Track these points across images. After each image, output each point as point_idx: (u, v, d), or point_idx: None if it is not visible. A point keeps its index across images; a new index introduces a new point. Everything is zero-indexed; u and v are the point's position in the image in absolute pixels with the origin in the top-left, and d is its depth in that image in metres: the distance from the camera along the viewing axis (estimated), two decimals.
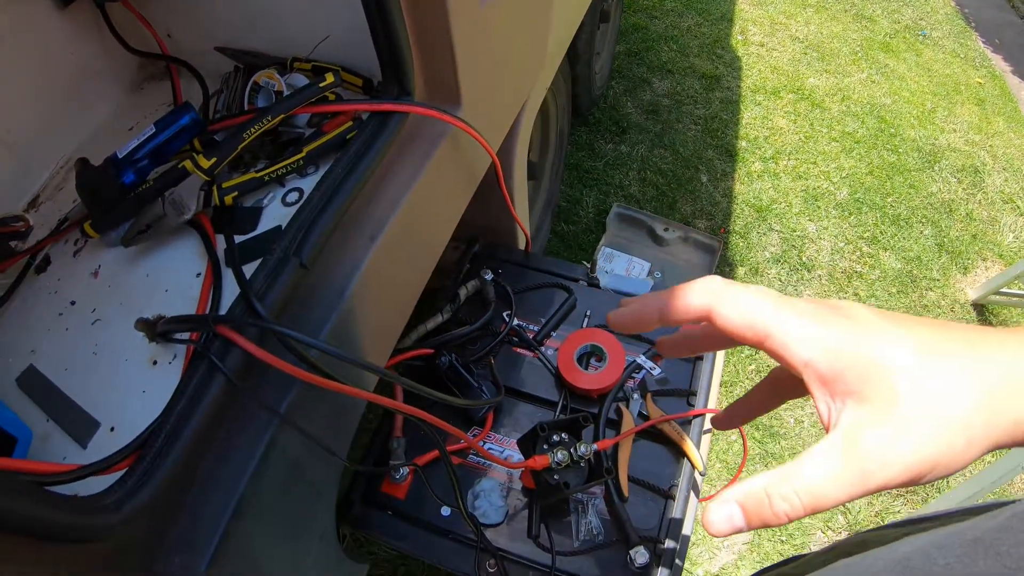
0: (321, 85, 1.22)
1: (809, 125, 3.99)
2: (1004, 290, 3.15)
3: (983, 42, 5.24)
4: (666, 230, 3.10)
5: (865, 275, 3.28)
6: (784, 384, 0.63)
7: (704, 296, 0.55)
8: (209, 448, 0.89)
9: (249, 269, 1.00)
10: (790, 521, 0.47)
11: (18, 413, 0.97)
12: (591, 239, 3.21)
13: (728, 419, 0.70)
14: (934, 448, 0.44)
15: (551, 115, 2.75)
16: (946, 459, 0.44)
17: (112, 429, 1.00)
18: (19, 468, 0.75)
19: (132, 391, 1.03)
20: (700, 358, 1.63)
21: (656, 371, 1.58)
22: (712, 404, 1.57)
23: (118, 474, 0.80)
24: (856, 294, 3.19)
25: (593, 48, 3.19)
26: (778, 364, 0.54)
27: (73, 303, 1.19)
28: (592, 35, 3.01)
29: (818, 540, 2.48)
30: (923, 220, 3.57)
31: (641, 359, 1.59)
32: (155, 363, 1.05)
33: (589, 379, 1.55)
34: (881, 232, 3.48)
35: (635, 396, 1.56)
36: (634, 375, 1.59)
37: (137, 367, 1.06)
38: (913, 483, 0.45)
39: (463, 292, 1.70)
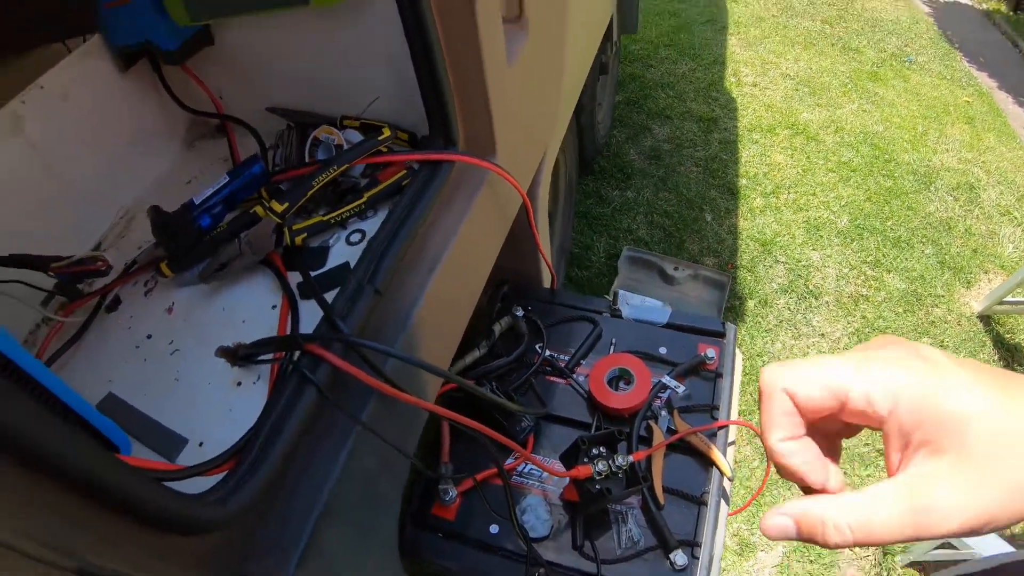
0: (380, 139, 1.38)
1: (806, 158, 4.12)
2: (1008, 299, 3.23)
3: (968, 61, 5.37)
4: (676, 269, 3.23)
5: (871, 298, 3.37)
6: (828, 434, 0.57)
7: (778, 392, 0.53)
8: (298, 455, 0.99)
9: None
10: (835, 548, 0.50)
11: None
12: (604, 283, 3.34)
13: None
14: (997, 505, 0.44)
15: (560, 166, 2.89)
16: (1004, 516, 0.45)
17: (201, 444, 1.11)
18: (140, 465, 0.87)
19: (218, 410, 1.15)
20: (720, 375, 1.74)
21: (680, 389, 1.70)
22: (733, 416, 1.69)
23: (217, 477, 0.89)
24: (864, 316, 3.28)
25: (595, 99, 3.34)
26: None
27: (149, 336, 1.31)
28: (593, 87, 3.16)
29: (846, 557, 2.54)
30: (923, 240, 3.66)
31: (666, 379, 1.71)
32: (239, 384, 1.17)
33: (620, 399, 1.67)
34: (883, 255, 3.57)
35: (663, 413, 1.67)
36: (660, 394, 1.70)
37: (221, 389, 1.17)
38: (964, 536, 0.48)
39: (497, 328, 1.82)
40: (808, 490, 0.55)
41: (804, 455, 0.54)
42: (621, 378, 1.73)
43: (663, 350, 1.80)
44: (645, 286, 3.25)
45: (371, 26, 1.42)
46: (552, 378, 1.78)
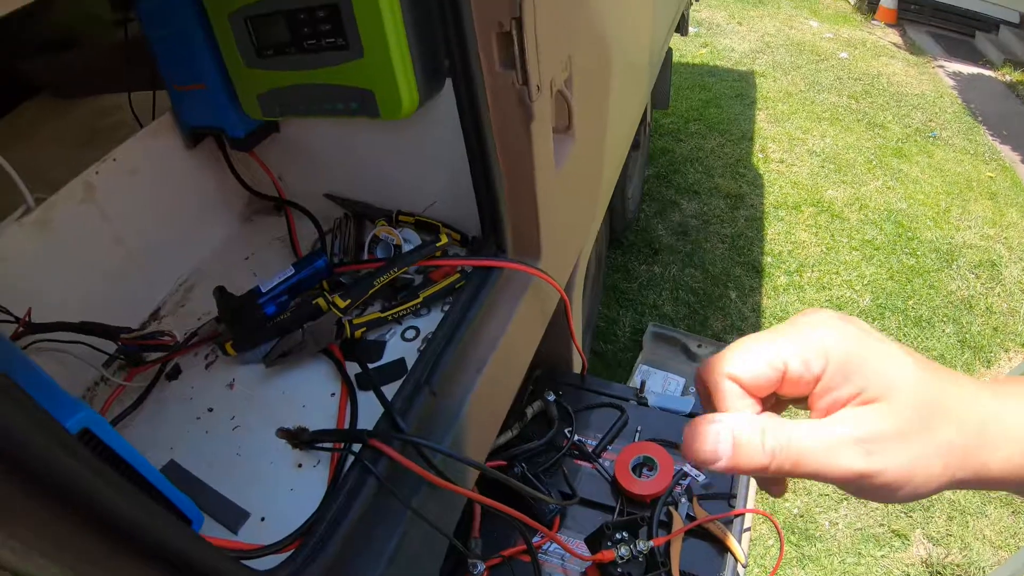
0: (438, 245, 1.51)
1: (830, 236, 4.19)
2: None
3: (991, 135, 5.41)
4: (699, 347, 3.32)
5: None
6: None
7: (718, 378, 0.54)
8: (358, 538, 1.07)
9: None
10: (762, 471, 0.49)
11: None
12: (628, 357, 3.42)
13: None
14: (920, 463, 0.48)
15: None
16: (921, 478, 0.48)
17: (263, 519, 1.18)
18: (219, 544, 0.98)
19: (279, 488, 1.22)
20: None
21: (701, 478, 1.80)
22: (750, 504, 1.79)
23: (285, 555, 0.99)
24: None
25: (626, 175, 3.43)
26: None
27: (211, 409, 1.38)
28: (624, 163, 3.25)
29: None
30: (944, 319, 3.71)
31: (687, 467, 1.80)
32: (300, 466, 1.25)
33: (643, 486, 1.76)
34: (904, 334, 3.63)
35: (683, 500, 1.76)
36: (681, 481, 1.80)
37: (283, 468, 1.25)
38: (887, 489, 0.48)
39: (529, 411, 1.93)
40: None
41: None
42: (645, 465, 1.81)
43: None
44: (669, 363, 3.32)
45: (431, 132, 1.50)
46: (579, 461, 1.88)
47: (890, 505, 2.90)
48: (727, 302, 3.76)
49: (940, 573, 2.74)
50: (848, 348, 0.50)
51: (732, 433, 0.49)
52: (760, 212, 4.39)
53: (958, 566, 2.75)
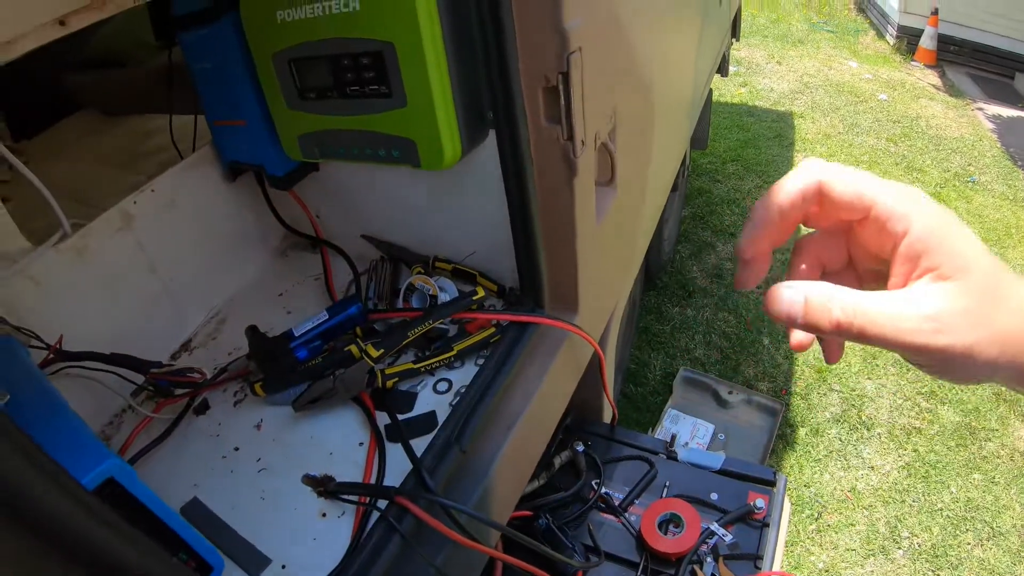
0: (474, 298, 1.49)
1: None
2: None
3: None
4: (730, 393, 3.30)
5: (924, 430, 3.37)
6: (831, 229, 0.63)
7: (814, 173, 0.58)
8: None
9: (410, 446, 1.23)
10: (835, 332, 0.53)
11: None
12: (658, 401, 3.39)
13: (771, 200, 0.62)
14: (981, 346, 0.50)
15: None
16: (982, 360, 0.50)
17: (284, 567, 1.17)
18: None
19: (302, 536, 1.21)
20: (767, 525, 1.81)
21: (727, 537, 1.76)
22: (777, 567, 1.75)
23: None
24: (915, 449, 3.28)
25: (662, 216, 3.38)
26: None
27: (237, 449, 1.38)
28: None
29: None
30: None
31: (714, 526, 1.78)
32: (324, 515, 1.23)
33: (669, 544, 1.73)
34: (939, 386, 3.55)
35: (708, 559, 1.73)
36: (707, 540, 1.76)
37: (307, 517, 1.24)
38: (948, 366, 0.51)
39: (557, 461, 1.91)
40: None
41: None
42: (672, 522, 1.79)
43: (714, 496, 1.86)
44: (698, 407, 3.30)
45: (472, 180, 1.49)
46: (605, 514, 1.85)
47: (917, 563, 2.85)
48: (760, 348, 3.73)
49: None
50: (931, 222, 0.52)
51: (804, 295, 0.54)
52: None
53: None
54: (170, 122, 1.84)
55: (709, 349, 3.70)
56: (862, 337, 0.51)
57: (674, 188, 3.49)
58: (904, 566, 2.87)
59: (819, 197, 0.58)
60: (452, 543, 1.11)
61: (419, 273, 1.63)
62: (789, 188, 0.59)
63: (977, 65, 7.30)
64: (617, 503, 1.86)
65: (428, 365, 1.45)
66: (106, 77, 2.28)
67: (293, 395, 1.40)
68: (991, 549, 2.88)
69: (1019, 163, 5.53)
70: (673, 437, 2.03)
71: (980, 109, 6.50)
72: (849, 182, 0.56)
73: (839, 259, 0.65)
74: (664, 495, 1.87)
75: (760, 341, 3.75)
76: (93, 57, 2.29)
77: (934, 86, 6.94)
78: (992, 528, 2.96)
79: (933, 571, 2.85)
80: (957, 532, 2.96)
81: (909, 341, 0.50)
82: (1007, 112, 6.44)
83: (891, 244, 0.54)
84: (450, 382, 1.46)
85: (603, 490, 1.88)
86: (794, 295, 0.55)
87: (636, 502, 1.87)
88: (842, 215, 0.58)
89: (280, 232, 1.90)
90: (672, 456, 1.96)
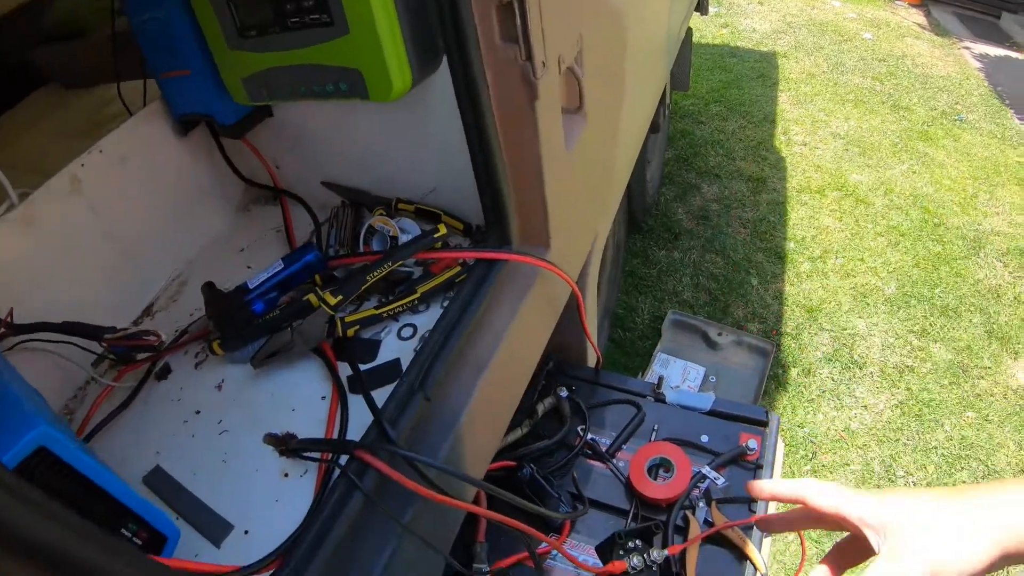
0: (435, 236, 1.41)
1: (855, 222, 4.10)
2: None
3: (1019, 119, 5.26)
4: (720, 335, 3.25)
5: (916, 369, 3.34)
6: (822, 520, 0.87)
7: (800, 488, 0.86)
8: (344, 556, 1.01)
9: (373, 396, 1.17)
10: None
11: None
12: (647, 345, 3.36)
13: (769, 525, 1.02)
14: (941, 556, 0.70)
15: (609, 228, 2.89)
16: (957, 562, 0.69)
17: (246, 532, 1.13)
18: (189, 568, 0.91)
19: (264, 499, 1.17)
20: (760, 467, 1.75)
21: (720, 481, 1.71)
22: (772, 510, 1.69)
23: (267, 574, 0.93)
24: (908, 388, 3.25)
25: (645, 158, 3.35)
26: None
27: (198, 412, 1.34)
28: (643, 145, 3.17)
29: None
30: (971, 308, 3.61)
31: (706, 470, 1.72)
32: (286, 475, 1.19)
33: (658, 489, 1.67)
34: (930, 324, 3.53)
35: (700, 504, 1.67)
36: (699, 484, 1.71)
37: (269, 478, 1.19)
38: None
39: (540, 408, 1.85)
40: None
41: None
42: (661, 466, 1.73)
43: (705, 438, 1.81)
44: (688, 351, 3.27)
45: (429, 114, 1.43)
46: (592, 461, 1.80)
47: None
48: (748, 289, 3.68)
49: None
50: (883, 518, 0.78)
51: None
52: (783, 196, 4.30)
53: None
54: (118, 85, 1.78)
55: (697, 291, 3.65)
56: None
57: (656, 129, 3.45)
58: None
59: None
60: (420, 498, 1.06)
61: (380, 215, 1.55)
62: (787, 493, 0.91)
63: (963, 4, 7.20)
64: (604, 449, 1.80)
65: (391, 310, 1.39)
66: (66, 49, 2.22)
67: (252, 351, 1.35)
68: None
69: (1007, 102, 5.47)
70: (660, 379, 1.96)
71: (966, 48, 6.41)
72: (827, 497, 0.83)
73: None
74: (653, 439, 1.82)
75: (749, 282, 3.71)
76: (55, 29, 2.25)
77: (919, 25, 6.84)
78: (987, 466, 2.96)
79: None
80: (952, 471, 2.95)
81: None
82: (994, 51, 6.36)
83: (861, 527, 0.79)
84: (415, 327, 1.40)
85: (589, 436, 1.82)
86: None
87: (624, 447, 1.82)
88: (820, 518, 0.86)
89: (240, 187, 1.83)
90: (660, 398, 1.91)
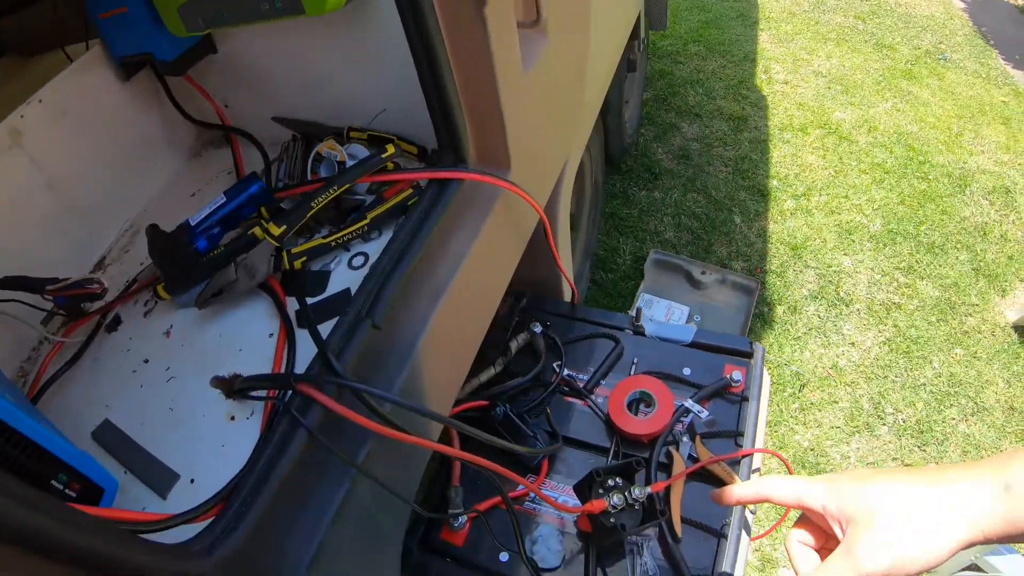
0: (383, 156, 1.31)
1: (838, 159, 4.02)
2: None
3: (1003, 59, 5.17)
4: (703, 274, 3.17)
5: (903, 306, 3.28)
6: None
7: (761, 490, 0.84)
8: (291, 497, 0.94)
9: (323, 329, 1.08)
10: None
11: None
12: (630, 286, 3.28)
13: (724, 497, 0.93)
14: (900, 549, 0.67)
15: (586, 166, 2.82)
16: (915, 553, 0.67)
17: (192, 481, 1.07)
18: (115, 517, 0.82)
19: (211, 445, 1.10)
20: (745, 399, 1.67)
21: (704, 414, 1.63)
22: (759, 444, 1.62)
23: (205, 523, 0.85)
24: (896, 325, 3.19)
25: (622, 97, 3.27)
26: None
27: (147, 361, 1.27)
28: (620, 84, 3.09)
29: None
30: (958, 245, 3.56)
31: (689, 403, 1.64)
32: (233, 419, 1.12)
33: (639, 424, 1.60)
34: (917, 261, 3.47)
35: (684, 439, 1.60)
36: (682, 419, 1.64)
37: (215, 422, 1.13)
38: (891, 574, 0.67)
39: (514, 345, 1.76)
40: None
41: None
42: (642, 401, 1.66)
43: (687, 371, 1.73)
44: (671, 290, 3.19)
45: (376, 32, 1.36)
46: (570, 398, 1.72)
47: (903, 438, 2.81)
48: (732, 227, 3.59)
49: None
50: (840, 501, 0.76)
51: None
52: (764, 135, 4.19)
53: None
54: (64, 51, 1.72)
55: (679, 231, 3.57)
56: None
57: (633, 68, 3.37)
58: (890, 442, 2.82)
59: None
60: (375, 437, 1.00)
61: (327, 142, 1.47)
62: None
63: None
64: (582, 385, 1.73)
65: (339, 238, 1.30)
66: (19, 17, 2.12)
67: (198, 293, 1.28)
68: (975, 424, 2.86)
69: (991, 42, 5.38)
70: (639, 311, 1.87)
71: None
72: (788, 491, 0.82)
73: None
74: (632, 373, 1.74)
75: (732, 220, 3.62)
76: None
77: None
78: (976, 403, 2.92)
79: (919, 447, 2.80)
80: (941, 408, 2.91)
81: None
82: None
83: (823, 513, 0.77)
84: (366, 255, 1.32)
85: (565, 372, 1.75)
86: None
87: (602, 383, 1.75)
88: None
89: (190, 132, 1.76)
90: (639, 331, 1.83)
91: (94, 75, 1.51)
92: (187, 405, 1.18)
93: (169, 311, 1.35)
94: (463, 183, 1.29)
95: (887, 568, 0.67)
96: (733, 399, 1.68)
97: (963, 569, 2.23)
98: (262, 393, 1.07)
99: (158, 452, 1.12)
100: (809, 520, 0.84)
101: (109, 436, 1.17)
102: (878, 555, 0.68)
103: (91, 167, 1.51)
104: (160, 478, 1.09)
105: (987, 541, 0.66)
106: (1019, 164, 4.09)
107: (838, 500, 0.74)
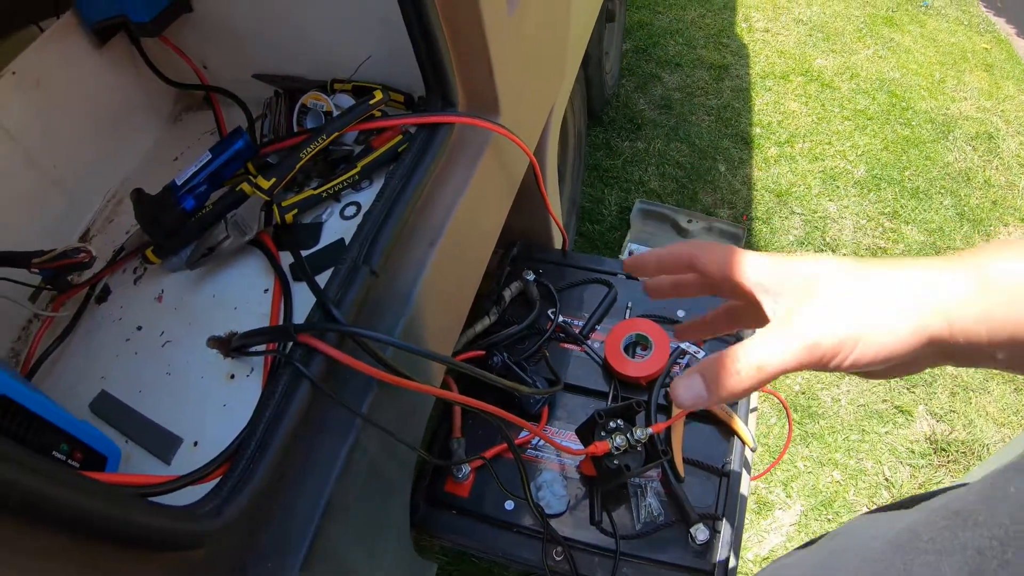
0: (371, 103, 1.29)
1: (821, 106, 4.01)
2: None
3: (985, 7, 5.16)
4: (689, 222, 3.17)
5: (889, 250, 3.30)
6: (738, 311, 0.71)
7: (688, 247, 0.64)
8: (296, 452, 0.94)
9: (320, 281, 1.07)
10: (744, 392, 0.55)
11: None
12: (616, 236, 3.28)
13: (686, 332, 0.78)
14: (853, 320, 0.51)
15: (568, 118, 2.79)
16: (871, 330, 0.51)
17: (196, 444, 1.06)
18: (121, 481, 0.81)
19: (212, 406, 1.09)
20: (740, 338, 1.66)
21: (700, 355, 1.63)
22: None
23: (211, 484, 0.85)
24: None
25: (602, 48, 3.24)
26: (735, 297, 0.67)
27: (140, 328, 1.25)
28: (600, 35, 3.06)
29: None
30: (942, 191, 3.57)
31: (685, 344, 1.64)
32: (232, 377, 1.11)
33: (637, 367, 1.60)
34: (901, 206, 3.48)
35: None
36: (679, 360, 1.64)
37: (214, 383, 1.12)
38: (840, 351, 0.51)
39: (507, 294, 1.75)
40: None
41: None
42: (638, 344, 1.66)
43: (681, 313, 1.73)
44: (658, 239, 3.19)
45: None
46: (566, 345, 1.71)
47: (892, 381, 2.83)
48: (716, 175, 3.59)
49: (944, 449, 2.67)
50: (780, 266, 0.59)
51: (700, 377, 0.56)
52: (746, 83, 4.18)
53: (962, 443, 2.69)
54: (38, 27, 1.61)
55: (664, 180, 3.55)
56: (765, 380, 0.54)
57: (611, 18, 3.36)
58: (879, 384, 2.86)
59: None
60: (379, 383, 0.99)
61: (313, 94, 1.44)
62: (672, 253, 0.67)
63: None
64: (577, 331, 1.72)
65: (330, 188, 1.29)
66: None
67: (188, 254, 1.26)
68: (964, 370, 2.86)
69: None
70: (631, 254, 1.86)
71: None
72: (716, 256, 0.63)
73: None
74: (627, 317, 1.73)
75: (716, 168, 3.61)
76: None
77: None
78: None
79: (908, 388, 2.85)
80: None
81: (798, 360, 0.52)
82: None
83: (754, 289, 0.60)
84: (358, 205, 1.31)
85: (560, 319, 1.74)
86: (692, 381, 0.57)
87: (598, 328, 1.74)
88: (713, 281, 0.64)
89: (169, 96, 1.72)
90: (632, 275, 1.81)
91: (67, 43, 1.47)
92: (184, 368, 1.17)
93: (159, 276, 1.33)
94: (453, 127, 1.27)
95: (839, 339, 0.51)
96: (728, 339, 1.68)
97: None
98: (261, 348, 1.06)
99: (158, 418, 1.12)
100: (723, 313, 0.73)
101: (107, 407, 1.16)
102: (826, 323, 0.52)
103: (70, 138, 1.48)
104: (162, 443, 1.08)
105: (952, 342, 0.49)
106: (1001, 110, 4.11)
107: (778, 271, 0.58)
